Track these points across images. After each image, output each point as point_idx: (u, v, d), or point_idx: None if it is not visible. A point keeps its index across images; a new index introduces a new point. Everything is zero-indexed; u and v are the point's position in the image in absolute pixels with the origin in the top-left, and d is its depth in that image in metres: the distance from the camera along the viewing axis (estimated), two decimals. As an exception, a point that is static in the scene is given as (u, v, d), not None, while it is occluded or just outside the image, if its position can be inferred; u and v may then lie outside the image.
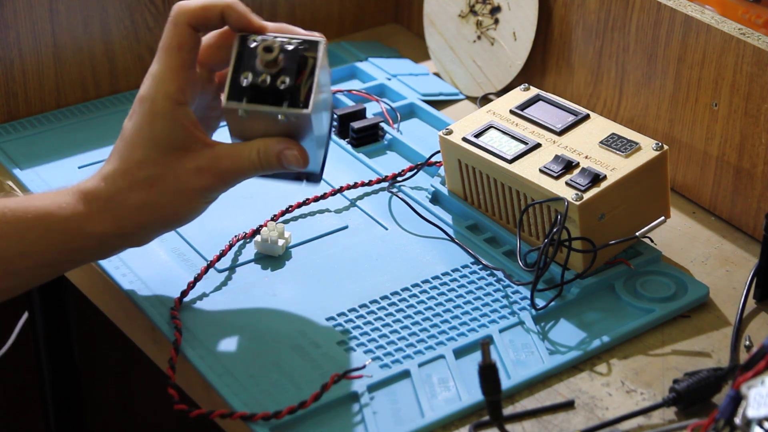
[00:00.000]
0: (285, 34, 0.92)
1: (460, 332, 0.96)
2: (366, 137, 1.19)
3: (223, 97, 0.92)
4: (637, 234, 1.01)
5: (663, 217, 1.03)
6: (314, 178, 0.98)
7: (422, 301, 0.99)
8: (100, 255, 0.97)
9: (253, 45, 0.91)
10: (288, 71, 0.91)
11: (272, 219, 1.07)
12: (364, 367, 0.91)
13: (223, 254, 1.02)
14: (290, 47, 0.91)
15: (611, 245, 1.00)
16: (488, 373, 0.87)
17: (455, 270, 1.03)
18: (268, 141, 0.93)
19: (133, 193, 0.91)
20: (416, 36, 1.41)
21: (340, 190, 1.11)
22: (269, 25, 0.93)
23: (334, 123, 1.21)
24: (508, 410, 0.90)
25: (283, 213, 1.08)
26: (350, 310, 0.98)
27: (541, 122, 1.07)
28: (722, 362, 0.95)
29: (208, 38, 0.95)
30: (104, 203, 0.91)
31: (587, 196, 0.98)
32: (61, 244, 0.92)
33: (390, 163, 1.17)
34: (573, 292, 1.00)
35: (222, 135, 0.97)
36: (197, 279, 1.00)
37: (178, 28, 0.92)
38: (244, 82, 0.91)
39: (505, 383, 0.91)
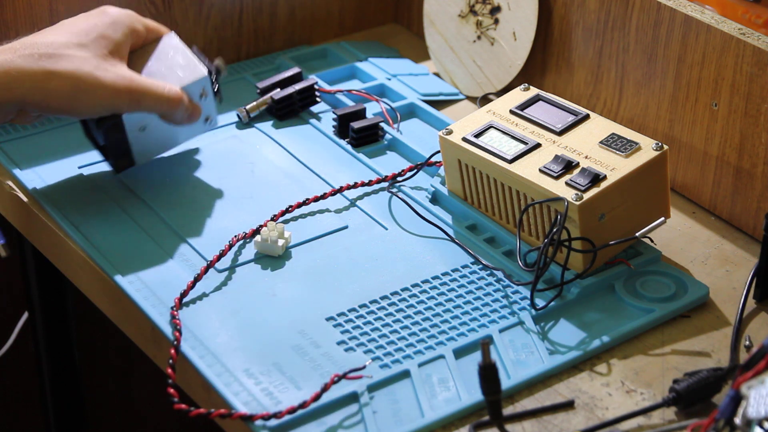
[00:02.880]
0: None
1: (460, 332, 0.96)
2: (366, 137, 1.19)
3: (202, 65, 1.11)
4: (637, 234, 1.01)
5: (663, 218, 1.03)
6: (121, 160, 1.13)
7: (422, 301, 0.99)
8: (13, 116, 1.06)
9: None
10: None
11: (272, 219, 1.07)
12: (364, 367, 0.91)
13: (223, 254, 1.02)
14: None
15: (611, 245, 1.00)
16: (488, 373, 0.87)
17: (455, 270, 1.03)
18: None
19: (62, 59, 1.02)
20: (416, 36, 1.41)
21: (340, 190, 1.11)
22: None
23: (334, 123, 1.21)
24: (508, 410, 0.90)
25: (283, 213, 1.08)
26: (350, 310, 0.98)
27: (541, 122, 1.07)
28: (722, 362, 0.95)
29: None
30: (35, 54, 1.01)
31: (587, 196, 0.98)
32: None
33: (390, 163, 1.17)
34: (573, 292, 1.00)
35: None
36: (197, 279, 1.00)
37: (130, 28, 1.09)
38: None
39: (505, 383, 0.91)
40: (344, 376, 0.90)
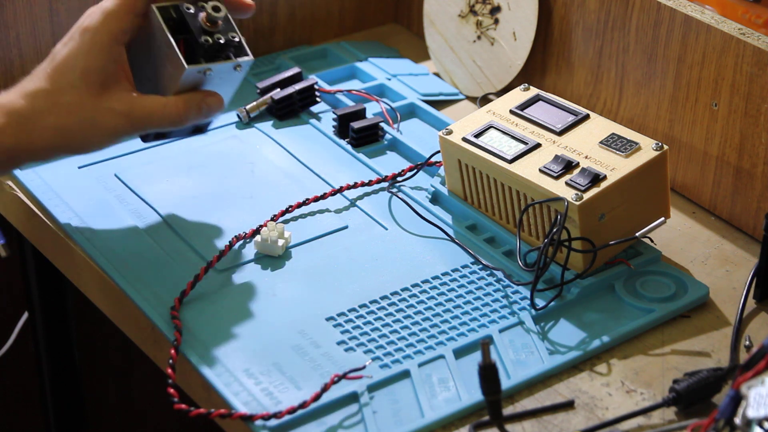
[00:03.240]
0: None
1: (460, 332, 0.96)
2: (366, 137, 1.19)
3: (182, 59, 0.99)
4: (637, 234, 1.01)
5: (663, 218, 1.03)
6: (206, 126, 1.08)
7: (422, 301, 0.99)
8: (4, 168, 1.01)
9: (191, 11, 1.01)
10: (229, 28, 1.02)
11: (272, 219, 1.07)
12: (364, 367, 0.91)
13: (223, 254, 1.02)
14: (231, 36, 1.02)
15: (611, 245, 1.00)
16: (488, 373, 0.87)
17: (455, 270, 1.03)
18: (188, 96, 1.01)
19: (51, 115, 0.96)
20: (416, 36, 1.41)
21: (340, 190, 1.11)
22: None
23: (334, 123, 1.21)
24: (508, 410, 0.90)
25: (283, 213, 1.08)
26: (350, 310, 0.98)
27: (541, 122, 1.07)
28: (722, 362, 0.95)
29: None
30: (21, 119, 0.96)
31: (587, 196, 0.98)
32: None
33: (390, 163, 1.17)
34: (573, 292, 1.00)
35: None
36: (197, 279, 1.00)
37: None
38: (205, 43, 1.01)
39: (505, 383, 0.91)
40: (344, 376, 0.90)
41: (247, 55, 1.03)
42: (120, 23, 0.98)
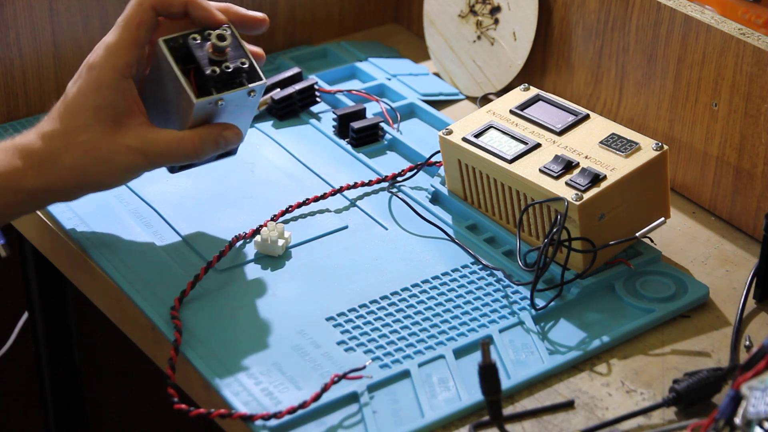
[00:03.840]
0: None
1: (460, 332, 0.96)
2: (366, 137, 1.19)
3: (190, 94, 0.97)
4: (637, 234, 1.01)
5: (663, 218, 1.03)
6: (234, 150, 1.06)
7: (422, 301, 0.99)
8: (28, 209, 1.01)
9: (197, 41, 0.98)
10: (238, 53, 0.99)
11: (272, 219, 1.07)
12: (364, 367, 0.91)
13: (223, 254, 1.02)
14: (240, 63, 0.99)
15: (611, 245, 1.00)
16: (488, 373, 0.87)
17: (455, 270, 1.03)
18: (203, 129, 0.99)
19: (67, 155, 0.96)
20: (416, 36, 1.41)
21: (340, 190, 1.11)
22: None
23: (334, 123, 1.21)
24: (508, 410, 0.90)
25: (283, 213, 1.08)
26: (350, 310, 0.98)
27: (541, 122, 1.07)
28: (722, 362, 0.95)
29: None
30: (39, 160, 0.96)
31: (587, 196, 0.98)
32: None
33: (390, 163, 1.17)
34: (573, 292, 1.00)
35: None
36: (197, 279, 1.00)
37: (141, 7, 0.98)
38: (212, 74, 0.98)
39: (505, 383, 0.91)
40: (344, 376, 0.90)
41: (260, 79, 1.00)
42: (124, 57, 0.97)
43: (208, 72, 0.98)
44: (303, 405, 0.88)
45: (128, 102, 0.97)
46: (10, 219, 1.02)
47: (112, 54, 0.97)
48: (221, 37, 0.98)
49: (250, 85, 0.99)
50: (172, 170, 1.06)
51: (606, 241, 1.00)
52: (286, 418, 0.87)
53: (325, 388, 0.89)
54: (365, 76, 1.30)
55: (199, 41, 0.98)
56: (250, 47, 1.01)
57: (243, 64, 0.99)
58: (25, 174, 0.96)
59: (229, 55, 0.99)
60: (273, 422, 0.87)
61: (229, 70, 0.98)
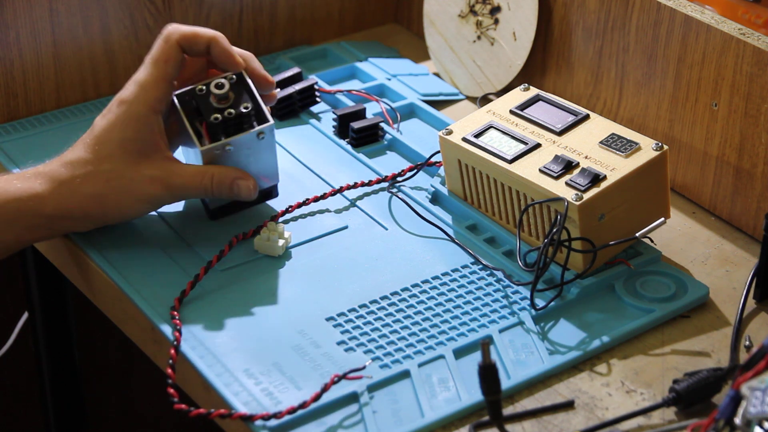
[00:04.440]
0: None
1: (460, 332, 0.96)
2: (366, 137, 1.19)
3: (196, 142, 1.01)
4: (637, 235, 1.01)
5: (663, 218, 1.03)
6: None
7: (422, 301, 0.99)
8: (45, 235, 1.02)
9: (203, 92, 1.02)
10: (242, 99, 1.02)
11: (272, 219, 1.07)
12: (364, 367, 0.91)
13: (223, 254, 1.02)
14: (228, 80, 1.02)
15: (611, 245, 1.00)
16: (488, 373, 0.87)
17: (455, 270, 1.03)
18: (223, 169, 1.02)
19: (89, 182, 0.99)
20: (416, 36, 1.41)
21: (340, 190, 1.11)
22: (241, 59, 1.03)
23: (334, 123, 1.21)
24: (508, 410, 0.90)
25: (283, 213, 1.08)
26: (350, 310, 0.98)
27: (541, 122, 1.07)
28: (722, 362, 0.95)
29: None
30: (59, 186, 0.99)
31: (587, 196, 0.98)
32: (17, 223, 0.98)
33: (390, 163, 1.17)
34: (573, 292, 1.00)
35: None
36: (197, 279, 1.00)
37: (168, 44, 1.01)
38: (215, 121, 1.01)
39: (505, 383, 0.91)
40: (344, 376, 0.90)
41: (267, 120, 1.02)
42: (154, 92, 1.00)
43: (210, 120, 1.01)
44: (303, 405, 0.88)
45: (155, 136, 1.01)
46: (26, 244, 1.03)
47: (143, 90, 1.00)
48: (219, 86, 1.01)
49: (258, 128, 1.02)
50: (214, 216, 1.07)
51: (606, 241, 1.00)
52: (286, 418, 0.87)
53: (325, 389, 0.89)
54: (365, 76, 1.30)
55: (204, 92, 1.02)
56: (259, 72, 1.04)
57: (246, 108, 1.01)
58: (44, 199, 0.98)
59: (233, 101, 1.02)
60: (273, 422, 0.87)
61: (232, 116, 1.01)
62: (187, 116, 1.02)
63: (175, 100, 1.02)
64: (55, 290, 1.34)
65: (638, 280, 1.02)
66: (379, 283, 1.01)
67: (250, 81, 1.03)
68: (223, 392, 0.90)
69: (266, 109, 1.03)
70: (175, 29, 1.01)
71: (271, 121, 1.03)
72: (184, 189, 1.02)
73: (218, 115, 1.01)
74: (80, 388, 1.41)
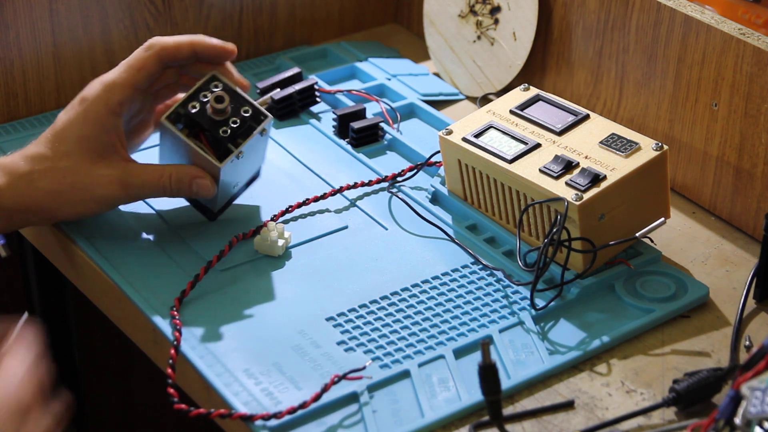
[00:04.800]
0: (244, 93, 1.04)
1: (460, 332, 0.96)
2: (366, 137, 1.19)
3: (213, 161, 1.01)
4: (637, 235, 1.01)
5: (663, 219, 1.03)
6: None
7: (422, 301, 0.99)
8: (4, 227, 1.02)
9: (196, 109, 1.02)
10: (238, 104, 1.02)
11: (272, 219, 1.07)
12: (364, 368, 0.91)
13: (223, 254, 1.02)
14: (218, 89, 1.02)
15: (611, 246, 1.00)
16: (488, 373, 0.87)
17: (455, 270, 1.03)
18: (182, 167, 1.02)
19: (46, 178, 0.99)
20: (416, 36, 1.41)
21: (340, 190, 1.11)
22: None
23: (334, 123, 1.21)
24: (508, 410, 0.90)
25: (283, 213, 1.08)
26: (350, 310, 0.98)
27: (541, 122, 1.07)
28: (722, 362, 0.95)
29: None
30: (18, 179, 0.99)
31: (587, 196, 0.98)
32: None
33: (390, 163, 1.17)
34: (573, 292, 1.00)
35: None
36: (197, 279, 1.00)
37: (146, 54, 1.02)
38: (225, 135, 1.01)
39: (505, 383, 0.91)
40: (344, 376, 0.90)
41: (266, 117, 1.03)
42: (118, 96, 1.01)
43: (219, 135, 1.01)
44: (303, 405, 0.88)
45: (112, 137, 1.01)
46: None
47: (107, 91, 1.00)
48: (219, 99, 1.01)
49: (260, 126, 1.02)
50: (212, 217, 1.07)
51: (606, 240, 1.00)
52: (286, 418, 0.87)
53: (326, 389, 0.89)
54: (365, 76, 1.30)
55: (198, 108, 1.02)
56: (235, 77, 1.04)
57: (246, 112, 1.02)
58: (3, 192, 0.99)
59: (230, 110, 1.02)
60: (273, 422, 0.87)
61: (237, 125, 1.02)
62: (188, 137, 1.02)
63: (169, 126, 1.02)
64: (55, 290, 1.34)
65: (638, 280, 1.02)
66: (379, 283, 1.01)
67: (225, 80, 1.03)
68: (223, 392, 0.90)
69: (258, 106, 1.03)
70: (157, 41, 1.02)
71: (270, 116, 1.03)
72: (142, 188, 1.02)
73: (225, 128, 1.01)
74: (80, 388, 1.41)
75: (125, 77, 1.01)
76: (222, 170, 1.02)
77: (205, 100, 1.02)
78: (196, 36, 1.03)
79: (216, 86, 1.03)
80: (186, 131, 1.02)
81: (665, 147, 1.02)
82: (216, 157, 1.01)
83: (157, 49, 1.02)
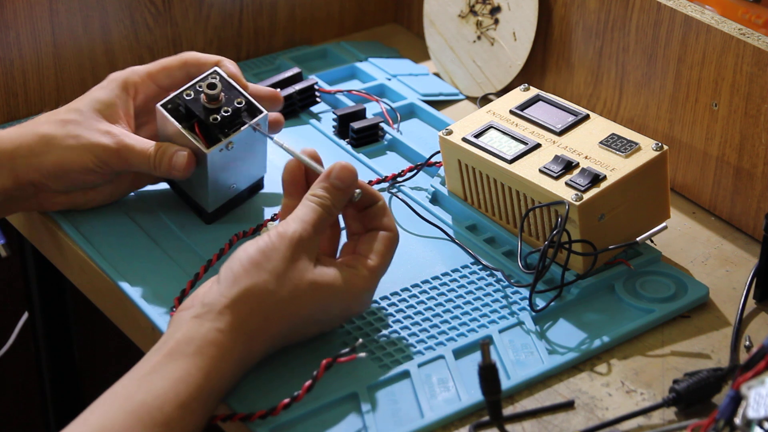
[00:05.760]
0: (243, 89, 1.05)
1: (460, 332, 0.96)
2: (366, 137, 1.19)
3: (201, 147, 1.01)
4: (638, 239, 1.01)
5: (665, 224, 1.03)
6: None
7: (422, 301, 0.99)
8: (8, 180, 1.02)
9: (191, 96, 1.03)
10: (233, 94, 1.03)
11: (272, 219, 1.07)
12: (354, 348, 0.90)
13: (222, 254, 1.02)
14: (236, 104, 1.03)
15: (611, 249, 1.00)
16: (488, 374, 0.87)
17: (455, 270, 1.03)
18: (166, 144, 1.03)
19: (47, 124, 1.02)
20: (416, 36, 1.41)
21: (340, 190, 1.11)
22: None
23: (334, 123, 1.21)
24: (508, 410, 0.90)
25: (283, 213, 1.08)
26: (350, 311, 0.98)
27: (541, 122, 1.07)
28: (722, 362, 0.95)
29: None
30: (23, 126, 1.03)
31: (587, 196, 0.98)
32: None
33: (390, 163, 1.17)
34: (573, 292, 1.00)
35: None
36: (197, 279, 1.00)
37: (173, 57, 1.07)
38: (215, 122, 1.02)
39: (505, 383, 0.91)
40: (335, 360, 0.89)
41: (260, 112, 1.03)
42: (135, 78, 1.05)
43: (209, 121, 1.01)
44: (295, 398, 0.87)
45: (118, 111, 1.04)
46: None
47: (128, 72, 1.06)
48: (212, 86, 1.02)
49: (253, 121, 1.03)
50: (208, 219, 1.07)
51: (606, 240, 1.00)
52: (286, 418, 0.87)
53: (317, 377, 0.88)
54: (365, 76, 1.30)
55: (192, 96, 1.03)
56: (237, 76, 1.05)
57: (239, 103, 1.03)
58: (4, 135, 1.02)
59: (224, 99, 1.02)
60: (271, 420, 0.87)
61: (229, 114, 1.02)
62: (179, 122, 1.02)
63: (161, 110, 1.02)
64: (55, 290, 1.34)
65: (638, 281, 1.02)
66: (379, 283, 1.01)
67: (226, 76, 1.04)
68: (223, 392, 0.90)
69: (254, 101, 1.04)
70: (189, 52, 1.07)
71: (265, 111, 1.04)
72: (131, 151, 1.02)
73: (216, 116, 1.02)
74: (80, 388, 1.41)
75: (148, 67, 1.06)
76: (209, 158, 1.01)
77: (200, 89, 1.03)
78: (223, 58, 1.06)
79: (214, 77, 1.03)
80: (177, 118, 1.03)
81: (665, 147, 1.02)
82: (205, 144, 1.02)
83: (185, 56, 1.06)
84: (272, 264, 0.88)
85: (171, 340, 0.86)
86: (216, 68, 1.04)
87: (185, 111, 1.03)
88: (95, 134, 1.02)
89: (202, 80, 1.03)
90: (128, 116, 1.05)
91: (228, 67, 1.05)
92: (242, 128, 1.02)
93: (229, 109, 1.02)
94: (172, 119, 1.02)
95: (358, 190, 0.95)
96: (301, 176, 0.97)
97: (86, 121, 1.02)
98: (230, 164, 1.04)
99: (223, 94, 1.03)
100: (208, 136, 1.02)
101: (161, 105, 1.03)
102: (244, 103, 1.03)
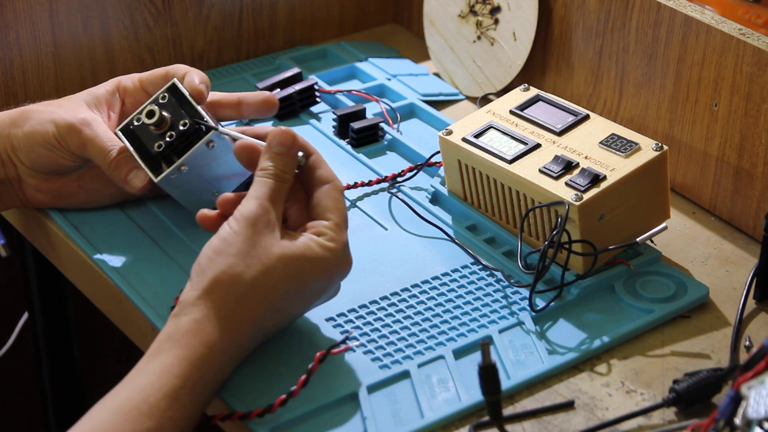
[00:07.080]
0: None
1: (460, 333, 0.96)
2: (366, 137, 1.19)
3: (150, 175, 0.99)
4: (638, 240, 1.01)
5: (665, 225, 1.03)
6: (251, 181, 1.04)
7: (422, 302, 0.99)
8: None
9: (139, 122, 1.00)
10: (179, 116, 0.99)
11: (272, 219, 1.07)
12: (346, 339, 0.90)
13: (222, 254, 1.02)
14: (158, 104, 1.00)
15: (611, 249, 1.00)
16: (488, 374, 0.87)
17: (455, 270, 1.03)
18: (129, 157, 1.00)
19: (34, 103, 1.04)
20: (416, 36, 1.41)
21: (340, 190, 1.11)
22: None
23: (334, 123, 1.21)
24: (508, 410, 0.90)
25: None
26: (350, 311, 0.98)
27: (540, 122, 1.07)
28: (722, 362, 0.95)
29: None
30: (14, 110, 1.04)
31: (587, 196, 0.98)
32: None
33: (390, 163, 1.17)
34: (572, 292, 1.00)
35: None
36: (197, 279, 0.99)
37: (162, 67, 1.05)
38: (159, 149, 0.99)
39: (505, 384, 0.91)
40: (329, 352, 0.89)
41: (211, 129, 0.99)
42: (129, 83, 1.06)
43: (154, 151, 0.99)
44: (291, 394, 0.87)
45: (104, 105, 1.04)
46: None
47: (125, 76, 1.07)
48: (150, 114, 0.99)
49: (205, 138, 0.99)
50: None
51: (606, 241, 1.00)
52: (286, 417, 0.87)
53: (311, 371, 0.88)
54: (365, 76, 1.30)
55: (141, 122, 1.00)
56: (194, 85, 1.01)
57: (184, 125, 0.99)
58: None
59: (169, 123, 0.99)
60: (271, 420, 0.87)
61: (174, 138, 0.99)
62: (135, 150, 1.00)
63: (120, 135, 1.01)
64: (55, 290, 1.34)
65: (638, 281, 1.02)
66: (379, 283, 1.01)
67: (184, 89, 1.00)
68: (221, 393, 0.90)
69: (208, 116, 0.99)
70: (181, 65, 1.05)
71: (215, 127, 0.99)
72: (91, 138, 1.01)
73: (160, 143, 0.99)
74: (80, 388, 1.41)
75: (142, 75, 1.06)
76: (161, 184, 0.99)
77: (140, 116, 1.00)
78: (193, 70, 1.03)
79: (163, 98, 1.00)
80: (134, 145, 1.00)
81: (665, 147, 1.02)
82: (154, 172, 0.99)
83: (170, 67, 1.05)
84: (235, 247, 0.88)
85: (154, 342, 0.87)
86: (174, 81, 1.01)
87: (138, 137, 1.00)
88: (67, 113, 1.02)
89: (151, 102, 1.00)
90: (114, 113, 1.05)
91: (192, 79, 1.02)
92: (191, 150, 0.99)
93: (174, 134, 0.99)
94: (128, 143, 1.00)
95: (301, 153, 0.93)
96: (256, 154, 0.96)
97: (69, 105, 1.03)
98: (197, 179, 1.01)
99: (168, 116, 0.99)
100: (168, 159, 0.99)
101: (120, 130, 1.01)
102: (188, 125, 0.98)
